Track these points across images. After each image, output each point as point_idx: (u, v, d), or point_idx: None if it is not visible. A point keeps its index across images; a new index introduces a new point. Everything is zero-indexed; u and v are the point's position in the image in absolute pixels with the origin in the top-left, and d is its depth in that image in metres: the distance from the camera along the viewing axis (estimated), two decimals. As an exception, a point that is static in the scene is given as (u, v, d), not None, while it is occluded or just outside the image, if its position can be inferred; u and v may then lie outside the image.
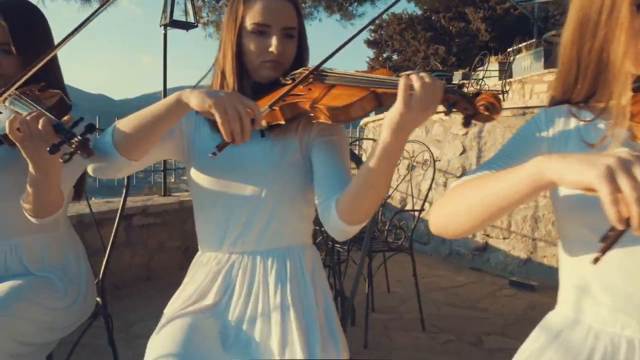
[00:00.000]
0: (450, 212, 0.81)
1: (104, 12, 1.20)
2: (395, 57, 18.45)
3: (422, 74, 0.85)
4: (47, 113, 1.01)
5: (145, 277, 3.50)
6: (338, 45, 1.08)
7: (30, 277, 1.29)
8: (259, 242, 1.15)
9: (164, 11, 3.83)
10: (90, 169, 1.06)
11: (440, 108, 0.89)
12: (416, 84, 0.84)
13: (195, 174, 1.17)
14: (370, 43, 18.42)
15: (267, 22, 1.11)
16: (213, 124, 1.18)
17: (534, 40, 9.51)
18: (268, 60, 1.13)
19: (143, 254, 3.53)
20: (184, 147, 1.18)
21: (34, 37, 1.28)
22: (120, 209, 1.73)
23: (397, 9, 17.28)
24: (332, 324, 1.13)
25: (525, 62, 8.78)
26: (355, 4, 8.68)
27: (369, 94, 0.99)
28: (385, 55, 18.65)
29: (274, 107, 1.05)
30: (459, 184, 0.84)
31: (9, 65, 1.26)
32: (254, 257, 1.15)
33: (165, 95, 4.01)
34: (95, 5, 5.92)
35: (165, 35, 3.95)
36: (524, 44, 9.11)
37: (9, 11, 1.24)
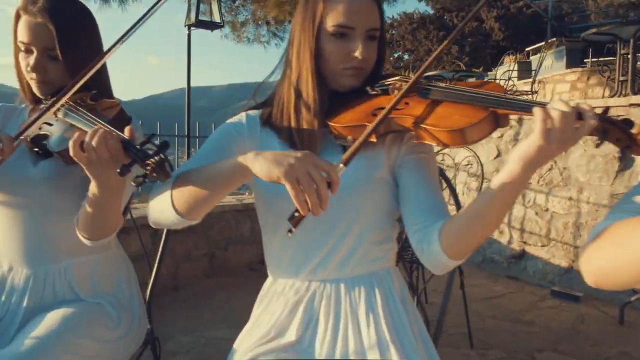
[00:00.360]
0: (616, 258, 0.66)
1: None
2: (406, 57, 18.26)
3: (559, 102, 0.75)
4: (115, 130, 0.87)
5: (172, 286, 3.38)
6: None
7: (81, 304, 1.16)
8: (342, 268, 1.02)
9: (189, 11, 3.72)
10: (150, 221, 0.95)
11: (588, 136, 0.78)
12: (555, 113, 0.73)
13: (264, 197, 1.04)
14: (381, 43, 18.24)
15: (351, 24, 0.98)
16: (281, 133, 1.05)
17: (554, 39, 9.31)
18: (350, 67, 1.00)
19: (170, 263, 3.41)
20: None
21: (84, 41, 1.15)
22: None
23: (409, 9, 17.05)
24: (433, 355, 1.00)
25: (547, 62, 8.59)
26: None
27: (488, 115, 0.85)
28: (396, 55, 18.48)
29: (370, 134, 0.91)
30: (613, 224, 0.70)
31: (55, 71, 1.13)
32: (337, 285, 1.02)
33: (189, 97, 3.89)
34: (115, 6, 5.82)
35: (189, 35, 3.83)
36: (543, 42, 8.91)
37: (58, 13, 1.10)
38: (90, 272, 1.21)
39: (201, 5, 3.91)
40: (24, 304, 1.14)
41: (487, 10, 16.08)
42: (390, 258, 1.08)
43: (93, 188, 0.94)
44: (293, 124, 1.02)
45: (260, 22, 7.18)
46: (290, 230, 0.80)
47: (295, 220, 0.79)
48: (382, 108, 0.98)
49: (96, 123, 0.95)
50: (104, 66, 1.21)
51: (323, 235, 1.01)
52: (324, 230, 1.01)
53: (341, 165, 0.83)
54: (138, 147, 0.85)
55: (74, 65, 1.11)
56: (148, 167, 0.82)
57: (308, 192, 0.75)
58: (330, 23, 0.98)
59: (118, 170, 0.84)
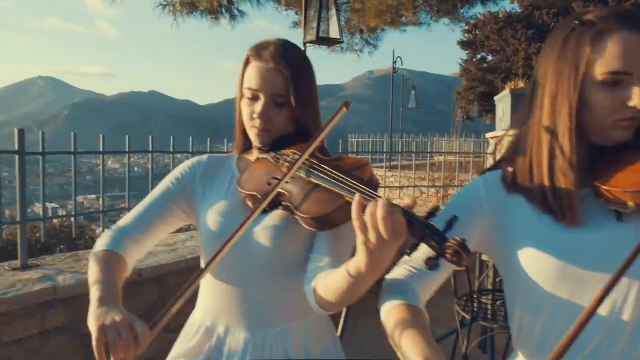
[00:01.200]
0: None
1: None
2: (489, 57, 17.53)
3: None
4: (404, 208, 0.75)
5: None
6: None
7: (300, 373, 1.06)
8: None
9: (307, 27, 3.66)
10: None
11: None
12: None
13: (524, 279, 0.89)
14: (463, 44, 17.63)
15: (627, 68, 0.82)
16: (532, 198, 0.90)
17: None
18: (625, 118, 0.84)
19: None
20: (493, 237, 0.93)
21: (307, 89, 1.10)
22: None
23: (494, 7, 16.33)
24: None
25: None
26: (467, 6, 8.18)
27: None
28: (479, 57, 17.79)
29: None
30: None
31: (278, 118, 1.08)
32: None
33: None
34: (224, 22, 5.93)
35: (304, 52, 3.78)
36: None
37: (288, 59, 1.06)
38: (303, 337, 1.12)
39: (303, 20, 3.86)
40: None
41: (582, 4, 15.02)
42: None
43: (357, 261, 0.82)
44: (547, 186, 0.87)
45: (353, 31, 7.11)
46: None
47: None
48: None
49: (354, 186, 0.84)
50: (320, 116, 1.15)
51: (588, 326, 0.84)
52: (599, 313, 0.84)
53: None
54: (426, 223, 0.72)
55: (300, 111, 1.08)
56: (448, 251, 0.69)
57: None
58: (600, 70, 0.83)
59: (407, 250, 0.73)
